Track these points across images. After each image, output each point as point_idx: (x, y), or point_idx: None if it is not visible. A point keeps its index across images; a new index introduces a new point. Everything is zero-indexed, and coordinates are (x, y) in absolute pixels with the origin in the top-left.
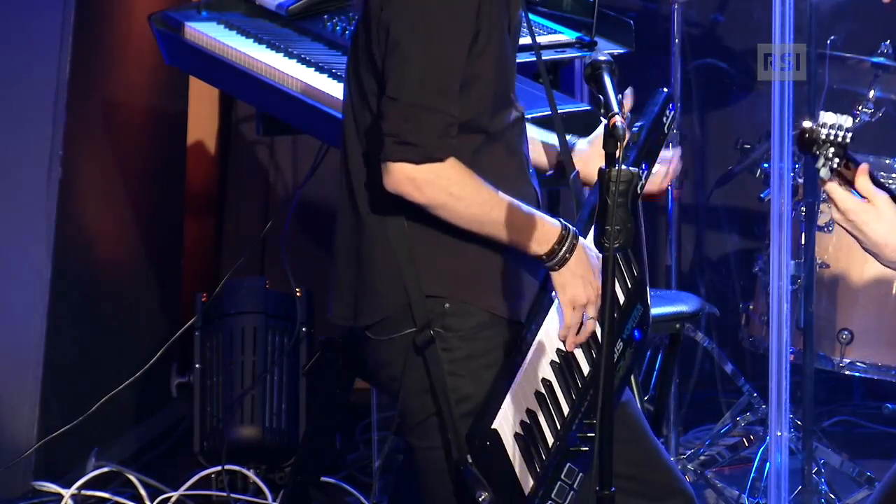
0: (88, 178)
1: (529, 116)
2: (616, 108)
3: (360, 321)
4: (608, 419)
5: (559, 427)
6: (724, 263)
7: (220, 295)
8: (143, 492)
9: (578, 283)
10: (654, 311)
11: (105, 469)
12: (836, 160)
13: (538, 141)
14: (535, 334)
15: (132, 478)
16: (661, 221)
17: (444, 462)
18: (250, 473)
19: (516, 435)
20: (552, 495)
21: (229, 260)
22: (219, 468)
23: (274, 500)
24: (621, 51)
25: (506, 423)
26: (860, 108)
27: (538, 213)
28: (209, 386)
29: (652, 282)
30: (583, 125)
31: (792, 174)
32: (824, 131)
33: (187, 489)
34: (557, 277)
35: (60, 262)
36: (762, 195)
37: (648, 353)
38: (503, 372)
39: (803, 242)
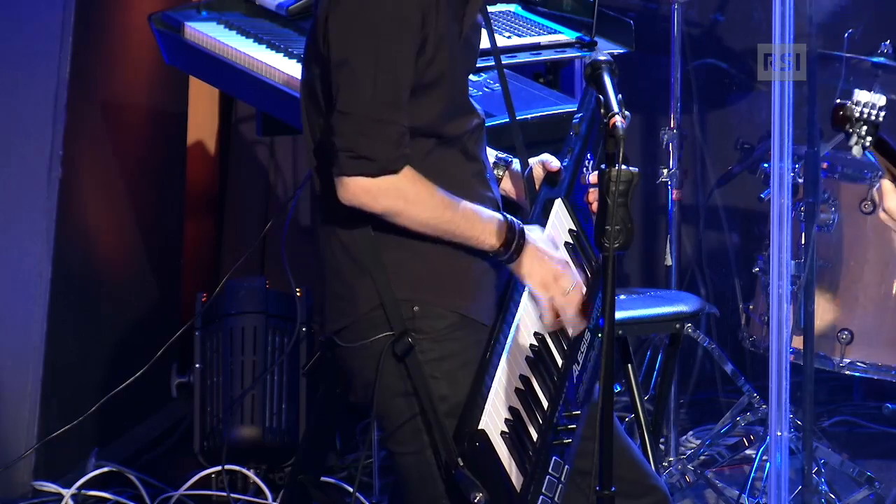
0: (88, 178)
1: (529, 116)
2: (616, 108)
3: (328, 326)
4: (609, 419)
5: (541, 422)
6: (724, 263)
7: (220, 295)
8: (143, 492)
9: (541, 263)
10: (654, 311)
11: (105, 469)
12: (869, 139)
13: None
14: (509, 332)
15: (132, 478)
16: (661, 221)
17: (426, 466)
18: (250, 473)
19: (502, 433)
20: (542, 490)
21: (229, 260)
22: (219, 468)
23: (274, 500)
24: (621, 51)
25: (491, 422)
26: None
27: (487, 210)
28: (209, 386)
29: (652, 282)
30: None
31: (792, 174)
32: (858, 109)
33: (187, 489)
34: (518, 268)
35: (60, 262)
36: (762, 195)
37: (648, 353)
38: (481, 372)
39: (803, 242)
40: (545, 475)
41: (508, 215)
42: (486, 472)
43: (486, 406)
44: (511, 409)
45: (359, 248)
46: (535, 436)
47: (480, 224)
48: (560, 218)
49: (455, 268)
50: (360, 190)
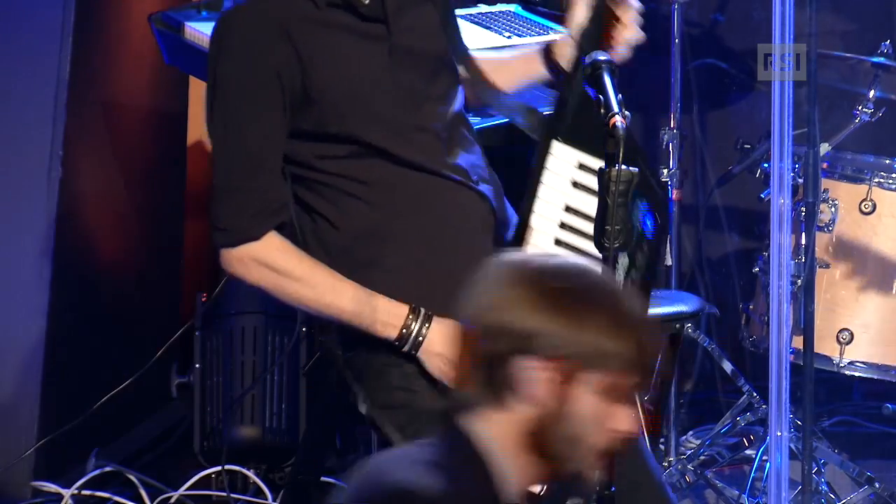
0: (88, 178)
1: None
2: (616, 108)
3: (325, 333)
4: None
5: None
6: (724, 263)
7: (220, 295)
8: (143, 492)
9: (440, 361)
10: (654, 311)
11: (105, 469)
12: None
13: (495, 63)
14: None
15: (132, 478)
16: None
17: None
18: (250, 473)
19: None
20: None
21: None
22: (219, 468)
23: (274, 500)
24: None
25: None
26: (860, 108)
27: (382, 298)
28: (209, 386)
29: None
30: None
31: (792, 174)
32: None
33: (187, 489)
34: (426, 361)
35: (60, 262)
36: (762, 195)
37: None
38: None
39: (803, 242)
40: None
41: (415, 306)
42: None
43: None
44: None
45: (336, 264)
46: None
47: (371, 314)
48: (560, 160)
49: (445, 274)
50: (232, 260)
